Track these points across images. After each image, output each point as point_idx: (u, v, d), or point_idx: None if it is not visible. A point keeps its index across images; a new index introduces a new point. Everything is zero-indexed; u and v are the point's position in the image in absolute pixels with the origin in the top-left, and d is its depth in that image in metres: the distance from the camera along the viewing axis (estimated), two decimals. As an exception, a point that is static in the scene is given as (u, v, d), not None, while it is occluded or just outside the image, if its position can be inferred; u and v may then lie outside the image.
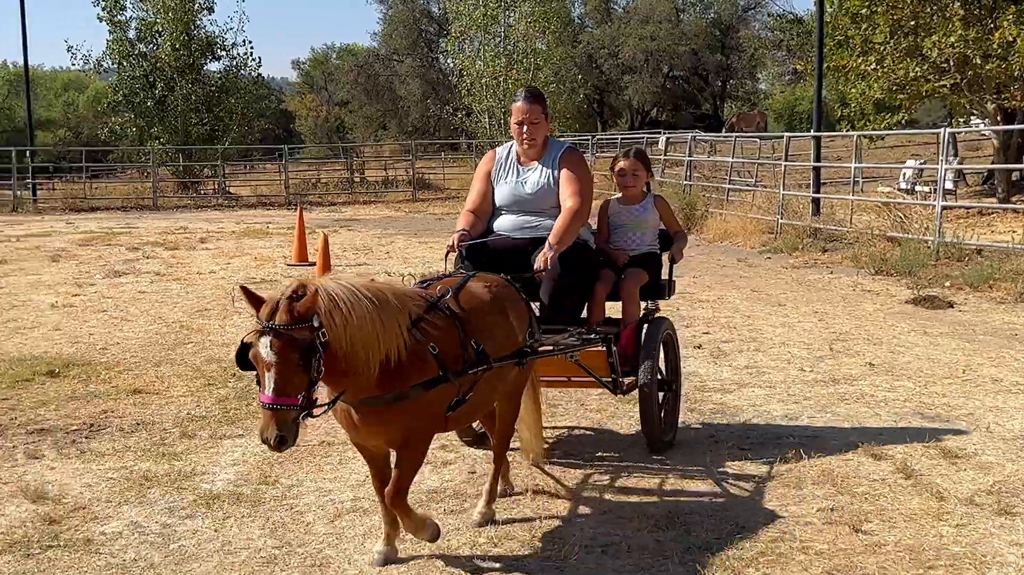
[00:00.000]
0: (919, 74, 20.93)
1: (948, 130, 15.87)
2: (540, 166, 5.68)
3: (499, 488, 5.04)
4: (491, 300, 4.71)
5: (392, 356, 3.98)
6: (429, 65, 68.49)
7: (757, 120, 49.41)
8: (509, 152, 5.84)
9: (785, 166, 18.63)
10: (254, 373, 3.78)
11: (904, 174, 25.86)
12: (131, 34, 37.92)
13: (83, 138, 63.58)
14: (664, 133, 32.40)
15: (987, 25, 19.67)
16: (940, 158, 15.50)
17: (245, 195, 34.20)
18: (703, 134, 32.87)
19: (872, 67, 21.66)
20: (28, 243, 19.90)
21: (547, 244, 5.32)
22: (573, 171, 5.63)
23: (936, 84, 20.97)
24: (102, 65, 38.82)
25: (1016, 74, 19.63)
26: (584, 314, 5.82)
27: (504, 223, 5.70)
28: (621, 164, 6.06)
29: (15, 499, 5.27)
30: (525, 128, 5.64)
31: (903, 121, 24.51)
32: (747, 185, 21.47)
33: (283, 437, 3.68)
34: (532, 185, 5.66)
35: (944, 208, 15.19)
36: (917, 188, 23.88)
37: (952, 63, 20.06)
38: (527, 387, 5.24)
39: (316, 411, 3.86)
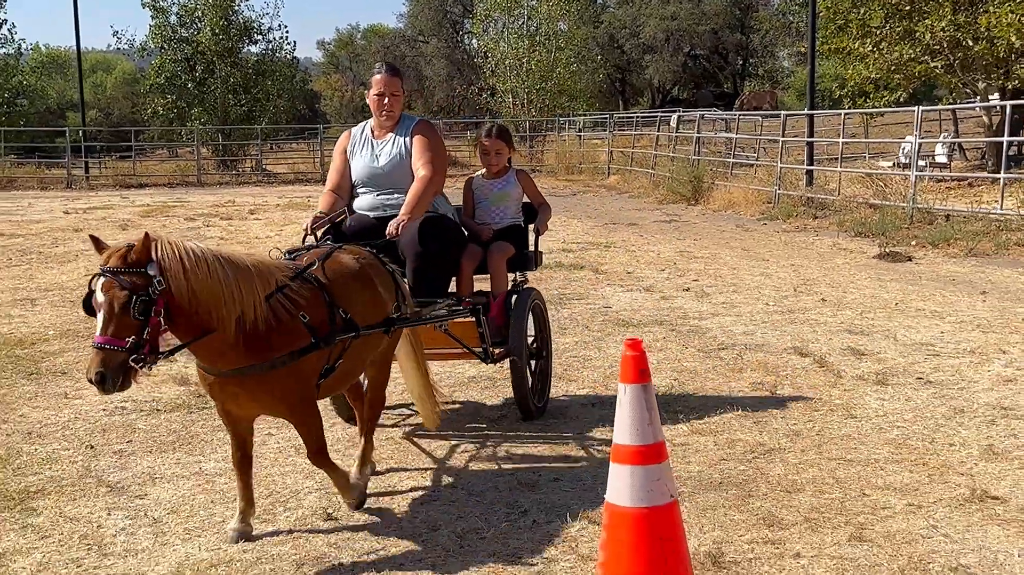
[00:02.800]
0: (912, 56, 22.61)
1: (922, 108, 17.58)
2: (395, 137, 5.84)
3: (368, 469, 5.06)
4: (358, 270, 4.82)
5: (248, 318, 4.09)
6: (454, 46, 70.09)
7: (768, 99, 50.90)
8: (364, 129, 5.99)
9: (782, 142, 20.41)
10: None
11: (903, 148, 27.56)
12: (172, 19, 39.92)
13: (113, 119, 65.47)
14: (677, 111, 34.06)
15: (977, 9, 21.31)
16: (915, 134, 17.25)
17: (281, 172, 36.22)
18: (711, 112, 34.63)
19: (869, 49, 23.34)
20: (94, 215, 21.96)
21: (401, 213, 5.55)
22: (426, 140, 5.80)
23: (929, 65, 22.62)
24: (145, 49, 40.88)
25: (1002, 55, 21.28)
26: (452, 288, 5.97)
27: (362, 203, 5.86)
28: (484, 143, 6.23)
29: (168, 383, 7.24)
30: (385, 100, 5.81)
31: (901, 99, 26.20)
32: (750, 160, 23.23)
33: (103, 375, 3.78)
34: (386, 156, 5.81)
35: (918, 178, 16.94)
36: (918, 163, 25.56)
37: (945, 45, 21.70)
38: (412, 356, 5.42)
39: (151, 359, 3.93)
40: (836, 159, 21.01)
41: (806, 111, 21.30)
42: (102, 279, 3.87)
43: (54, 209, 23.38)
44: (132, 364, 3.84)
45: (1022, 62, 19.98)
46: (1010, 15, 18.74)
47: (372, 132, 5.92)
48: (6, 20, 45.04)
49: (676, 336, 8.43)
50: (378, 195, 5.80)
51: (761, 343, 8.03)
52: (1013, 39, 18.72)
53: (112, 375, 3.79)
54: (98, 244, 3.97)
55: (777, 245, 14.83)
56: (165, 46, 39.50)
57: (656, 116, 32.59)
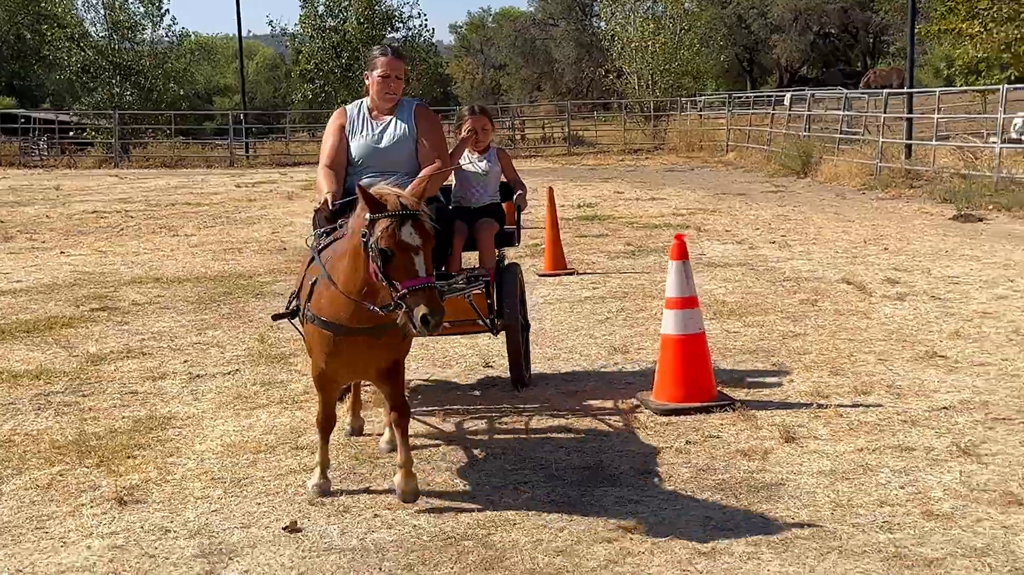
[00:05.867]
0: (1020, 36, 23.80)
1: (1006, 87, 18.99)
2: (395, 119, 5.79)
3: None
4: None
5: None
6: (583, 29, 72.02)
7: (894, 76, 51.44)
8: (360, 108, 5.90)
9: (883, 118, 22.00)
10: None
11: (1015, 124, 28.61)
12: (320, 9, 43.18)
13: (256, 103, 69.50)
14: (789, 91, 35.51)
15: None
16: (1000, 109, 18.68)
17: (422, 151, 38.97)
18: (821, 91, 35.99)
19: (977, 30, 24.58)
20: (261, 188, 24.96)
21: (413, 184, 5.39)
22: (434, 130, 5.86)
23: (1035, 44, 23.79)
24: (296, 38, 44.26)
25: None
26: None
27: (361, 182, 5.53)
28: (470, 122, 6.30)
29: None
30: (391, 82, 5.77)
31: (1011, 77, 27.26)
32: (856, 136, 24.78)
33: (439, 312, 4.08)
34: (388, 137, 5.76)
35: (1006, 151, 18.40)
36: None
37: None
38: None
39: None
40: (947, 135, 22.49)
41: (905, 90, 22.74)
42: (414, 220, 4.13)
43: (226, 183, 26.51)
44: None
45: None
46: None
47: (370, 112, 5.86)
48: (168, 10, 49.00)
49: (753, 273, 10.50)
50: (378, 175, 5.63)
51: (820, 276, 10.05)
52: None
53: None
54: (366, 195, 4.17)
55: (868, 211, 16.59)
56: (314, 34, 42.73)
57: (772, 96, 34.13)
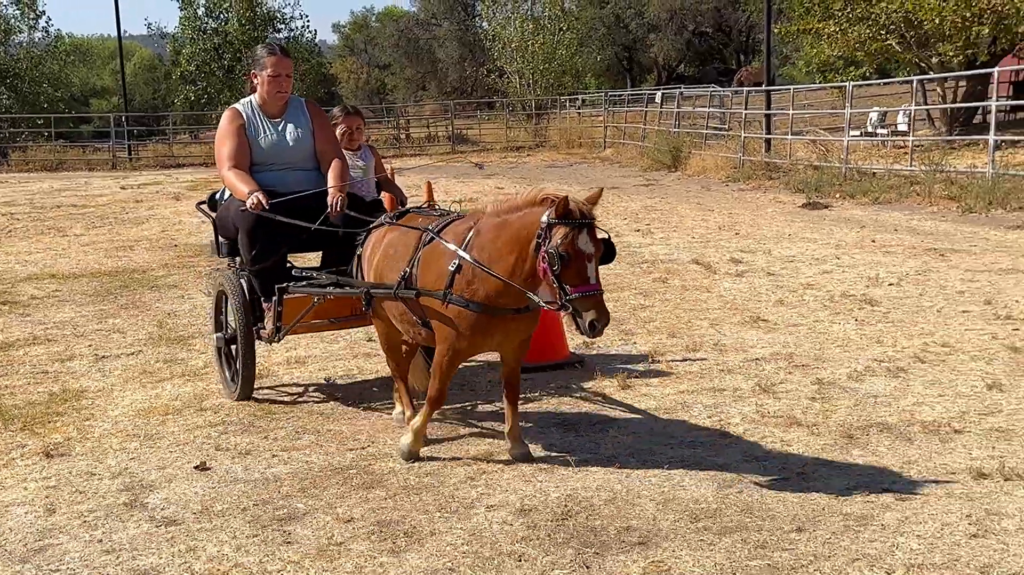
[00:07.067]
0: (871, 35, 25.53)
1: (852, 83, 20.51)
2: (291, 118, 5.97)
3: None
4: None
5: None
6: (466, 29, 72.88)
7: (764, 74, 53.67)
8: (252, 107, 5.98)
9: (744, 114, 23.45)
10: None
11: (871, 118, 30.56)
12: (200, 11, 43.12)
13: (135, 105, 68.46)
14: (660, 89, 37.10)
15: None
16: (846, 105, 20.23)
17: (307, 151, 39.32)
18: (690, 88, 37.75)
19: (832, 30, 26.27)
20: (147, 189, 25.16)
21: (334, 188, 5.75)
22: (327, 127, 6.11)
23: (883, 43, 25.54)
24: (177, 39, 44.10)
25: (948, 33, 24.16)
26: None
27: (264, 180, 5.82)
28: (344, 123, 6.49)
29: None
30: (281, 80, 5.88)
31: (867, 74, 29.16)
32: (720, 132, 26.28)
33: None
34: (292, 136, 5.92)
35: (854, 143, 19.95)
36: (879, 131, 28.55)
37: (901, 25, 24.56)
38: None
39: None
40: (801, 131, 24.04)
41: (763, 88, 24.25)
42: (589, 229, 4.29)
43: (110, 186, 26.58)
44: None
45: (952, 41, 22.80)
46: (929, 1, 21.65)
47: (263, 112, 5.97)
48: (44, 12, 48.29)
49: (620, 258, 11.50)
50: (281, 172, 5.89)
51: (674, 258, 11.12)
52: (936, 21, 21.62)
53: None
54: (551, 199, 4.31)
55: (728, 201, 17.86)
56: (194, 36, 42.67)
57: (644, 95, 35.59)
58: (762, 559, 3.76)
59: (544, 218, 4.29)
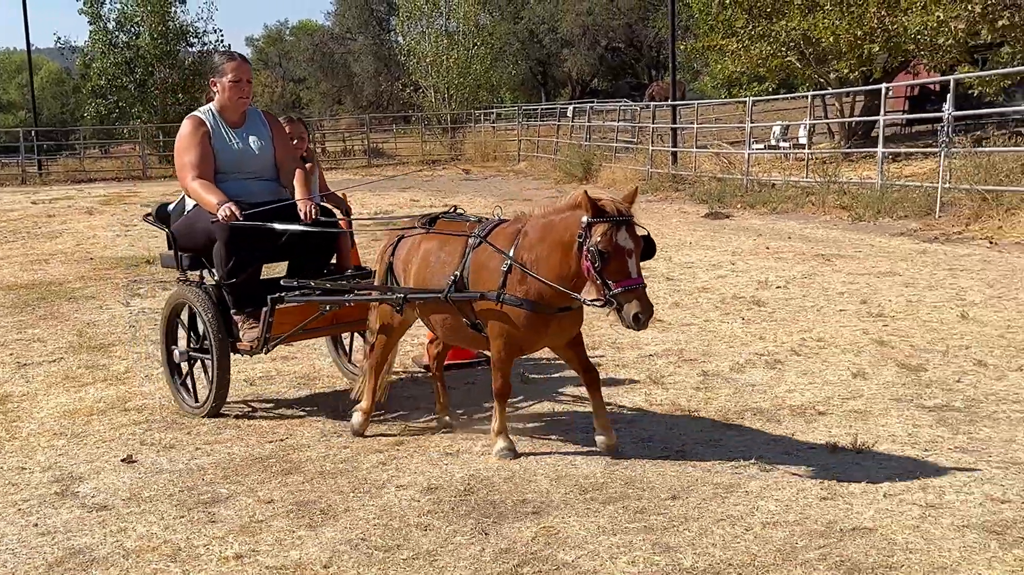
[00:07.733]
0: (771, 52, 26.55)
1: (752, 98, 21.40)
2: (252, 128, 6.03)
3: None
4: None
5: None
6: (381, 43, 73.12)
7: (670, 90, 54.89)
8: (213, 116, 5.95)
9: (652, 128, 24.25)
10: None
11: (773, 131, 31.70)
12: (110, 25, 42.66)
13: (44, 119, 67.29)
14: (572, 104, 37.93)
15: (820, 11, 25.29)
16: (747, 119, 21.10)
17: (222, 165, 39.21)
18: (600, 103, 38.71)
19: (735, 47, 27.25)
20: (59, 204, 25.01)
21: (303, 199, 5.84)
22: (285, 136, 6.21)
23: (784, 60, 26.57)
24: (87, 53, 43.53)
25: (843, 50, 25.27)
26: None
27: (233, 188, 5.83)
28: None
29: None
30: (243, 86, 5.87)
31: (770, 89, 30.25)
32: (630, 145, 27.08)
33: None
34: (256, 145, 5.97)
35: (756, 156, 20.81)
36: (781, 144, 29.64)
37: (800, 42, 25.60)
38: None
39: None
40: (706, 144, 24.93)
41: (669, 103, 25.08)
42: (628, 225, 4.56)
43: (20, 200, 26.35)
44: None
45: (846, 58, 23.86)
46: (824, 20, 22.69)
47: (224, 121, 5.96)
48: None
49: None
50: (245, 182, 5.90)
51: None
52: (831, 39, 22.65)
53: None
54: (588, 200, 4.54)
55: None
56: (105, 50, 42.19)
57: (556, 108, 36.34)
58: (640, 522, 4.25)
59: (584, 218, 4.55)
